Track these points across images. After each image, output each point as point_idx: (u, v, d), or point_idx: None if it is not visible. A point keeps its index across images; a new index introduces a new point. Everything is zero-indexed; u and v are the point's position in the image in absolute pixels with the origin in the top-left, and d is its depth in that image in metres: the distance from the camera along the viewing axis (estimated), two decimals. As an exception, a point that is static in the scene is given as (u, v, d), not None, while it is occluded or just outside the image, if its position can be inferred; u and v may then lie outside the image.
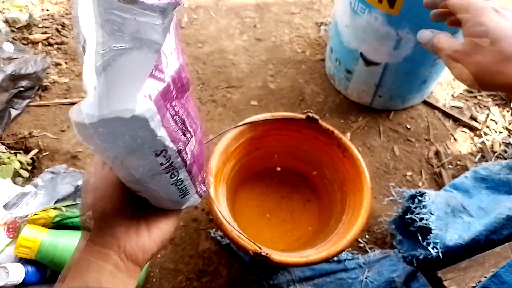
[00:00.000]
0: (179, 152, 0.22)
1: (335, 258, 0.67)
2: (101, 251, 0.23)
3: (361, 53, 0.78)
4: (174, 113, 0.21)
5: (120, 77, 0.21)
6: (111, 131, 0.18)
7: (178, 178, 0.24)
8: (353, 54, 0.81)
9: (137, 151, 0.20)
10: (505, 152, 0.87)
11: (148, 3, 0.19)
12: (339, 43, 0.83)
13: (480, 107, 0.96)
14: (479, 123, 0.92)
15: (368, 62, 0.78)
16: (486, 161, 0.85)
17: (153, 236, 0.25)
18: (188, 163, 0.24)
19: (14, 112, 0.86)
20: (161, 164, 0.21)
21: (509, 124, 0.93)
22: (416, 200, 0.67)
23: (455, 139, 0.89)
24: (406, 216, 0.68)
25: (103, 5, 0.18)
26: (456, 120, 0.93)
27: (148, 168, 0.22)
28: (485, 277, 0.62)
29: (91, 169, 0.24)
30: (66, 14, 1.08)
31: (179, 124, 0.22)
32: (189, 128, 0.23)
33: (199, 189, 0.28)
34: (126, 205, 0.24)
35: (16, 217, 0.62)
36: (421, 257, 0.64)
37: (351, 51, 0.80)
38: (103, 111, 0.18)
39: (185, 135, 0.22)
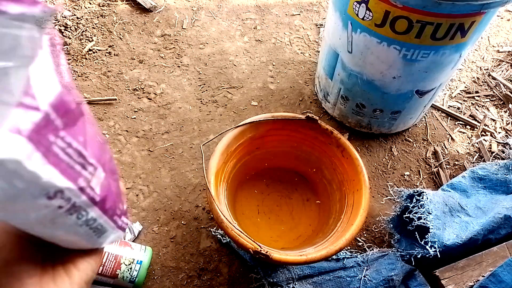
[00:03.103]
0: (82, 189, 0.19)
1: (334, 257, 0.68)
2: None
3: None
4: (65, 145, 0.17)
5: None
6: None
7: (89, 217, 0.20)
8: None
9: (20, 197, 0.16)
10: (503, 152, 0.87)
11: (12, 12, 0.14)
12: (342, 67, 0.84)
13: (478, 107, 0.96)
14: (477, 123, 0.93)
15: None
16: (484, 161, 0.86)
17: (74, 279, 0.22)
18: (98, 199, 0.20)
19: None
20: (60, 207, 0.18)
21: (507, 124, 0.94)
22: (414, 200, 0.68)
23: (452, 139, 0.90)
24: (404, 216, 0.68)
25: None
26: (454, 120, 0.94)
27: (43, 214, 0.18)
28: (483, 276, 0.63)
29: None
30: (69, 15, 1.09)
31: (75, 157, 0.18)
32: (90, 160, 0.19)
33: (120, 223, 0.24)
34: (34, 251, 0.21)
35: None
36: (419, 256, 0.65)
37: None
38: None
39: (85, 169, 0.19)
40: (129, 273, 0.63)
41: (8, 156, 0.14)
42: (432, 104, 0.95)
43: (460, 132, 0.92)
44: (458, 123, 0.93)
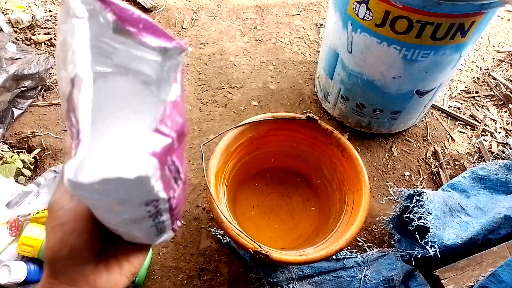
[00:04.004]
0: (169, 199, 0.21)
1: (334, 257, 0.68)
2: None
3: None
4: (171, 163, 0.20)
5: (109, 110, 0.19)
6: (106, 187, 0.17)
7: (160, 220, 0.23)
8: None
9: (127, 202, 0.19)
10: (503, 152, 0.87)
11: (149, 43, 0.18)
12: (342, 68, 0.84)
13: (478, 107, 0.96)
14: (477, 123, 0.93)
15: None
16: (484, 161, 0.86)
17: (124, 270, 0.24)
18: (173, 207, 0.23)
19: (17, 112, 0.86)
20: (148, 212, 0.21)
21: (507, 124, 0.94)
22: (414, 200, 0.68)
23: (453, 139, 0.90)
24: (404, 216, 0.68)
25: (95, 32, 0.18)
26: (454, 120, 0.94)
27: (134, 215, 0.21)
28: (483, 276, 0.63)
29: (57, 200, 0.22)
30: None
31: (173, 173, 0.21)
32: (181, 175, 0.22)
33: (174, 226, 0.27)
34: (96, 241, 0.23)
35: (18, 216, 0.63)
36: (419, 256, 0.65)
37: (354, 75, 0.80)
38: (105, 171, 0.16)
39: (176, 182, 0.22)
40: (129, 273, 0.63)
41: (145, 174, 0.17)
42: (432, 104, 0.95)
43: (460, 132, 0.92)
44: (458, 123, 0.93)
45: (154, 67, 0.20)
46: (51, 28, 1.05)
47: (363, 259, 0.68)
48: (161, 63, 0.20)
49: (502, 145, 0.89)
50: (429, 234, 0.63)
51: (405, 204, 0.69)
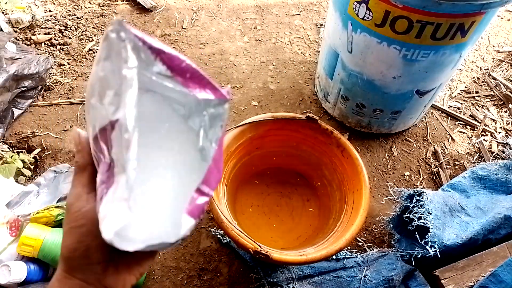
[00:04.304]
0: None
1: (334, 257, 0.68)
2: (82, 284, 0.23)
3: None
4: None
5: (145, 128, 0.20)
6: (152, 247, 0.19)
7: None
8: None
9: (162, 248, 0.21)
10: (503, 152, 0.87)
11: (194, 95, 0.19)
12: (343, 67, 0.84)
13: (478, 107, 0.96)
14: (477, 123, 0.93)
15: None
16: (484, 161, 0.86)
17: (132, 270, 0.26)
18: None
19: (17, 112, 0.86)
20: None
21: (507, 124, 0.94)
22: (414, 200, 0.68)
23: (453, 139, 0.90)
24: (404, 216, 0.68)
25: (141, 68, 0.18)
26: (454, 120, 0.94)
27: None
28: (483, 276, 0.63)
29: (74, 203, 0.24)
30: (69, 15, 1.09)
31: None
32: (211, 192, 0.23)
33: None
34: (107, 244, 0.24)
35: (18, 216, 0.63)
36: (419, 256, 0.65)
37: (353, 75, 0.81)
38: (147, 237, 0.18)
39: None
40: (129, 273, 0.63)
41: (182, 235, 0.18)
42: (432, 104, 0.95)
43: (460, 132, 0.92)
44: (458, 123, 0.93)
45: (189, 102, 0.20)
46: (51, 28, 1.05)
47: (363, 259, 0.68)
48: (202, 107, 0.20)
49: (502, 145, 0.89)
50: (429, 234, 0.63)
51: (405, 204, 0.69)
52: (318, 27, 1.12)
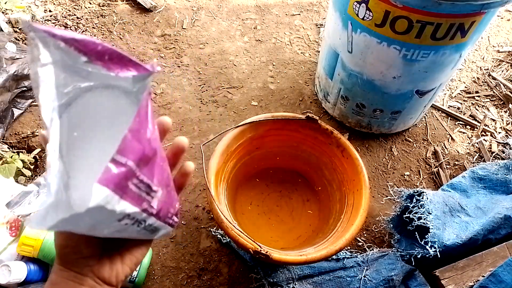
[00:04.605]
0: (144, 210, 0.22)
1: (334, 257, 0.68)
2: (77, 275, 0.25)
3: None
4: (138, 181, 0.20)
5: (88, 128, 0.20)
6: (70, 221, 0.18)
7: (147, 224, 0.24)
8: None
9: (99, 224, 0.20)
10: (503, 152, 0.87)
11: (116, 75, 0.19)
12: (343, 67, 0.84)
13: (478, 107, 0.96)
14: (477, 123, 0.93)
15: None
16: (484, 161, 0.86)
17: (126, 262, 0.27)
18: (155, 212, 0.24)
19: (17, 112, 0.86)
20: (126, 224, 0.22)
21: (507, 124, 0.94)
22: (414, 200, 0.68)
23: (453, 139, 0.90)
24: (404, 216, 0.68)
25: (67, 62, 0.19)
26: (454, 120, 0.94)
27: (114, 229, 0.22)
28: (483, 276, 0.63)
29: None
30: (69, 15, 1.09)
31: (143, 189, 0.21)
32: (154, 188, 0.23)
33: (170, 221, 0.28)
34: (98, 238, 0.25)
35: (18, 216, 0.63)
36: (419, 256, 0.65)
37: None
38: (60, 213, 0.18)
39: (149, 195, 0.22)
40: (129, 273, 0.63)
41: (94, 204, 0.18)
42: (432, 104, 0.95)
43: (460, 132, 0.92)
44: (458, 123, 0.93)
45: (130, 83, 0.21)
46: (51, 28, 1.05)
47: (363, 259, 0.68)
48: (129, 84, 0.21)
49: (502, 145, 0.89)
50: (429, 234, 0.63)
51: (405, 204, 0.69)
52: (318, 27, 1.12)
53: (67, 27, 1.06)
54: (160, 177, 0.23)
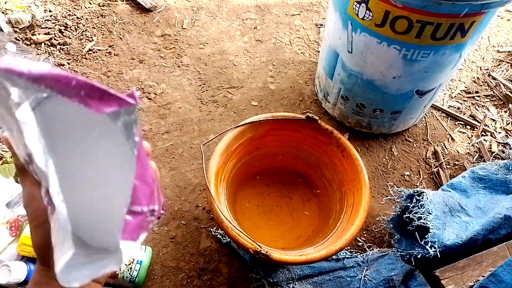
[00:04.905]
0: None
1: (334, 257, 0.68)
2: None
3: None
4: (148, 214, 0.21)
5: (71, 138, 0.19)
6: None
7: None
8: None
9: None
10: (503, 152, 0.87)
11: (96, 113, 0.17)
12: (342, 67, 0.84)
13: (478, 107, 0.96)
14: (477, 123, 0.93)
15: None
16: (484, 161, 0.86)
17: None
18: (157, 216, 0.24)
19: (16, 112, 0.86)
20: None
21: (507, 124, 0.94)
22: (414, 200, 0.68)
23: (453, 139, 0.90)
24: (404, 216, 0.68)
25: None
26: (454, 120, 0.94)
27: None
28: (483, 276, 0.63)
29: (29, 203, 0.24)
30: (69, 15, 1.09)
31: (149, 215, 0.21)
32: (156, 208, 0.22)
33: (158, 214, 0.28)
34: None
35: (18, 216, 0.63)
36: (419, 256, 0.65)
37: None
38: (91, 270, 0.18)
39: (153, 215, 0.22)
40: (129, 273, 0.63)
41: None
42: (432, 104, 0.95)
43: (460, 132, 0.92)
44: (458, 123, 0.93)
45: (98, 121, 0.19)
46: (51, 28, 1.05)
47: (363, 259, 0.68)
48: (112, 121, 0.19)
49: (502, 145, 0.89)
50: (429, 234, 0.63)
51: (405, 204, 0.69)
52: (318, 27, 1.12)
53: (67, 27, 1.06)
54: (158, 196, 0.23)
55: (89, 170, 0.21)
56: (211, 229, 0.73)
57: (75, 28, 1.06)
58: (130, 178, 0.18)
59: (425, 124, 0.93)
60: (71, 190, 0.19)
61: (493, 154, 0.87)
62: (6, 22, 1.02)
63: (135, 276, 0.63)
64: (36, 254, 0.25)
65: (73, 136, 0.20)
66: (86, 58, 1.00)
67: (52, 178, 0.17)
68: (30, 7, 1.08)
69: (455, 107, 0.96)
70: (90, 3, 1.13)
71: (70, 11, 1.10)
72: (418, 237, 0.65)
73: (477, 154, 0.87)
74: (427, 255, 0.63)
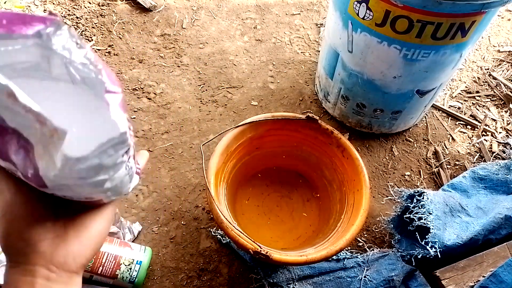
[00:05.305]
0: (133, 147, 0.22)
1: (334, 257, 0.68)
2: (27, 268, 0.22)
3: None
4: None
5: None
6: (100, 153, 0.19)
7: (129, 166, 0.23)
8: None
9: (113, 157, 0.20)
10: (504, 152, 0.87)
11: (24, 34, 0.17)
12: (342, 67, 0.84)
13: (478, 107, 0.96)
14: (478, 123, 0.93)
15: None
16: (485, 161, 0.86)
17: (84, 241, 0.24)
18: (132, 153, 0.23)
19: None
20: (123, 161, 0.22)
21: (508, 124, 0.93)
22: (415, 200, 0.68)
23: (453, 139, 0.90)
24: (405, 216, 0.68)
25: None
26: (454, 120, 0.94)
27: (115, 170, 0.22)
28: (484, 276, 0.63)
29: None
30: (68, 15, 1.09)
31: (125, 107, 0.22)
32: (130, 121, 0.23)
33: (138, 170, 0.27)
34: (46, 219, 0.23)
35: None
36: (419, 256, 0.65)
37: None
38: (94, 138, 0.18)
39: (130, 129, 0.22)
40: (129, 274, 0.63)
41: (124, 129, 0.19)
42: (433, 104, 0.94)
43: (461, 132, 0.92)
44: (458, 123, 0.93)
45: (33, 51, 0.19)
46: (50, 28, 1.05)
47: (364, 259, 0.68)
48: (44, 43, 0.19)
49: (502, 145, 0.89)
50: (429, 234, 0.63)
51: (405, 204, 0.69)
52: (318, 27, 1.12)
53: (67, 27, 1.06)
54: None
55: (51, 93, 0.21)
56: (211, 230, 0.73)
57: (74, 27, 1.06)
58: (99, 71, 0.19)
59: (425, 124, 0.92)
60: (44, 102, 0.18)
61: (494, 154, 0.87)
62: (6, 22, 1.01)
63: (134, 276, 0.63)
64: (4, 251, 0.22)
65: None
66: (86, 58, 1.00)
67: (15, 87, 0.16)
68: (29, 7, 1.08)
69: (455, 107, 0.96)
70: (90, 3, 1.12)
71: (69, 10, 1.10)
72: (418, 237, 0.65)
73: (478, 154, 0.87)
74: (427, 256, 0.63)
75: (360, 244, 0.73)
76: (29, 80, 0.20)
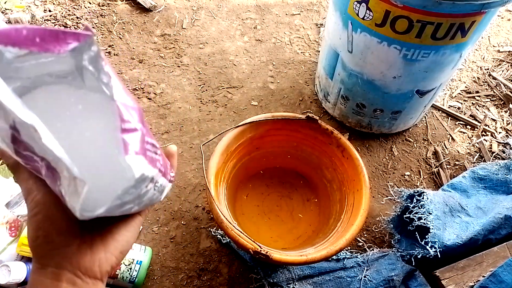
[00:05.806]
0: (159, 170, 0.22)
1: (334, 257, 0.68)
2: (54, 271, 0.22)
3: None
4: (148, 143, 0.20)
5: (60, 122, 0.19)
6: (116, 201, 0.19)
7: (159, 185, 0.24)
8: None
9: (132, 195, 0.20)
10: (503, 152, 0.87)
11: (58, 52, 0.17)
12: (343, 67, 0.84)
13: (478, 107, 0.96)
14: (478, 123, 0.93)
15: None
16: (484, 161, 0.86)
17: (110, 249, 0.24)
18: (163, 170, 0.23)
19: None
20: (148, 188, 0.21)
21: (507, 124, 0.93)
22: (415, 200, 0.68)
23: (453, 139, 0.90)
24: (405, 216, 0.68)
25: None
26: (454, 120, 0.94)
27: (139, 199, 0.22)
28: (483, 276, 0.63)
29: (26, 194, 0.23)
30: (68, 15, 1.09)
31: (152, 149, 0.21)
32: (157, 145, 0.22)
33: (169, 177, 0.27)
34: (73, 224, 0.23)
35: (18, 216, 0.63)
36: (419, 256, 0.65)
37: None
38: (109, 192, 0.18)
39: (157, 153, 0.22)
40: (129, 273, 0.63)
41: (139, 174, 0.18)
42: (433, 104, 0.94)
43: (461, 132, 0.92)
44: (458, 123, 0.93)
45: (67, 60, 0.19)
46: (50, 28, 1.05)
47: (363, 259, 0.68)
48: (75, 57, 0.19)
49: (502, 145, 0.89)
50: (429, 234, 0.63)
51: (405, 204, 0.69)
52: (318, 27, 1.12)
53: (67, 27, 1.06)
54: (152, 135, 0.23)
55: (75, 124, 0.21)
56: (211, 229, 0.73)
57: (74, 28, 1.06)
58: (113, 104, 0.18)
59: (425, 124, 0.93)
60: (63, 143, 0.18)
61: (494, 154, 0.87)
62: (6, 22, 1.01)
63: (134, 276, 0.63)
64: (31, 251, 0.23)
65: (57, 114, 0.20)
66: (86, 58, 1.00)
67: (41, 127, 0.16)
68: (29, 7, 1.08)
69: (455, 107, 0.96)
70: (90, 3, 1.12)
71: (69, 10, 1.10)
72: (418, 237, 0.65)
73: (478, 154, 0.87)
74: (427, 255, 0.63)
75: (360, 244, 0.73)
76: (67, 86, 0.20)
